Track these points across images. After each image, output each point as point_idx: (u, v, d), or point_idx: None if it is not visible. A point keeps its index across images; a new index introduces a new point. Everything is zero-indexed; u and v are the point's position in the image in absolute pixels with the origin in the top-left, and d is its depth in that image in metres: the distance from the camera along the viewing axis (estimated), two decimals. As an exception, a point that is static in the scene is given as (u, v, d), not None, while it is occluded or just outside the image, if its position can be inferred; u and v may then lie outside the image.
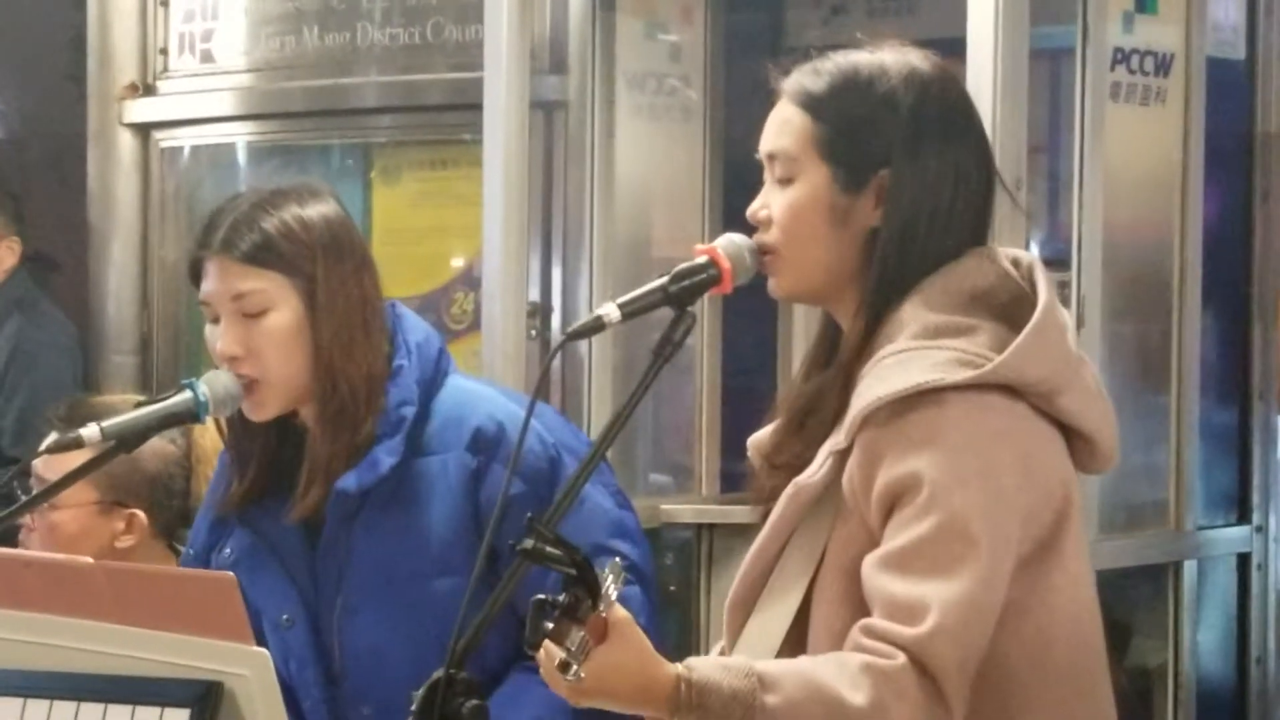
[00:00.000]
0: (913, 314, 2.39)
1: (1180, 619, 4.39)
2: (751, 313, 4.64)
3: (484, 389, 3.07)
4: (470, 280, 4.96)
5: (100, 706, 2.23)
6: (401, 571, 2.94)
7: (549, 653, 2.22)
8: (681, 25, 4.78)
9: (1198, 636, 4.46)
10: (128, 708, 2.21)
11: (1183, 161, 4.36)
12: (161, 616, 2.23)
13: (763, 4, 4.90)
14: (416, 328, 3.02)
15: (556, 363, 4.52)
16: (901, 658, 2.25)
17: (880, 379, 2.35)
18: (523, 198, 4.39)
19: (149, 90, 5.60)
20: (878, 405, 2.33)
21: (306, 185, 3.04)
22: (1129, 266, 4.28)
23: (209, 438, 3.36)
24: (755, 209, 2.50)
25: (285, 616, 3.00)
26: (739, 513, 4.19)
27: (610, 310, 2.38)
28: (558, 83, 4.71)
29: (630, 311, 2.39)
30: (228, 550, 3.05)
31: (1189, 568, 4.41)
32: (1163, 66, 4.32)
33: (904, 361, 2.35)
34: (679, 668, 2.27)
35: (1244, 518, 4.62)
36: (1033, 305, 2.40)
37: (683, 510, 4.66)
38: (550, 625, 2.20)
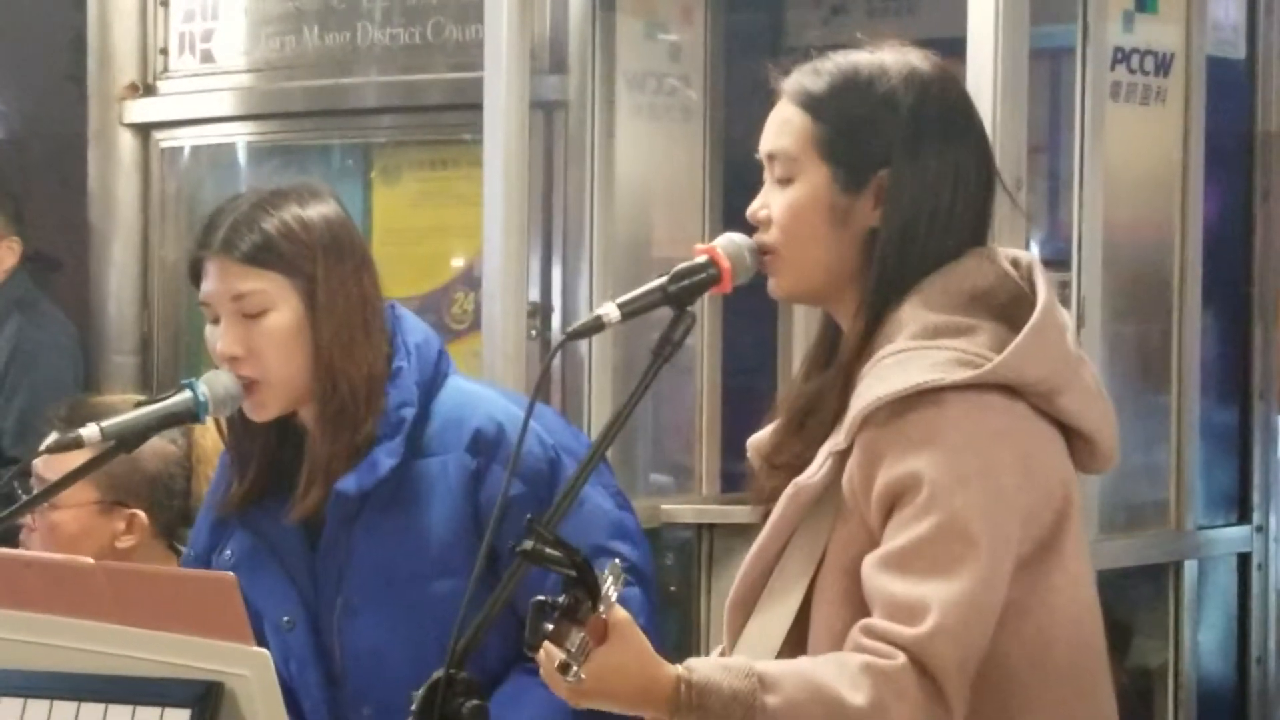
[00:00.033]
0: (912, 314, 2.39)
1: (1181, 619, 4.39)
2: (752, 313, 4.64)
3: (484, 390, 3.07)
4: (470, 280, 4.96)
5: (101, 707, 2.23)
6: (401, 573, 2.94)
7: (549, 654, 2.22)
8: (681, 25, 4.78)
9: (1198, 636, 4.45)
10: (128, 708, 2.21)
11: (1183, 161, 4.36)
12: (162, 617, 2.23)
13: (763, 4, 4.90)
14: (416, 329, 3.02)
15: (557, 363, 4.52)
16: (901, 658, 2.25)
17: (880, 379, 2.35)
18: (523, 198, 4.39)
19: (149, 90, 5.60)
20: (877, 405, 2.33)
21: (306, 185, 3.04)
22: (1129, 266, 4.28)
23: (210, 438, 3.36)
24: (755, 209, 2.50)
25: (286, 618, 3.00)
26: (739, 513, 4.18)
27: (610, 310, 2.38)
28: (558, 83, 4.71)
29: (630, 311, 2.39)
30: (228, 552, 3.05)
31: (1189, 568, 4.41)
32: (1163, 66, 4.32)
33: (903, 362, 2.35)
34: (679, 668, 2.27)
35: (1244, 517, 4.62)
36: (1032, 305, 2.40)
37: (683, 510, 4.66)
38: (550, 626, 2.20)
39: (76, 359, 5.59)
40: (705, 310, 4.64)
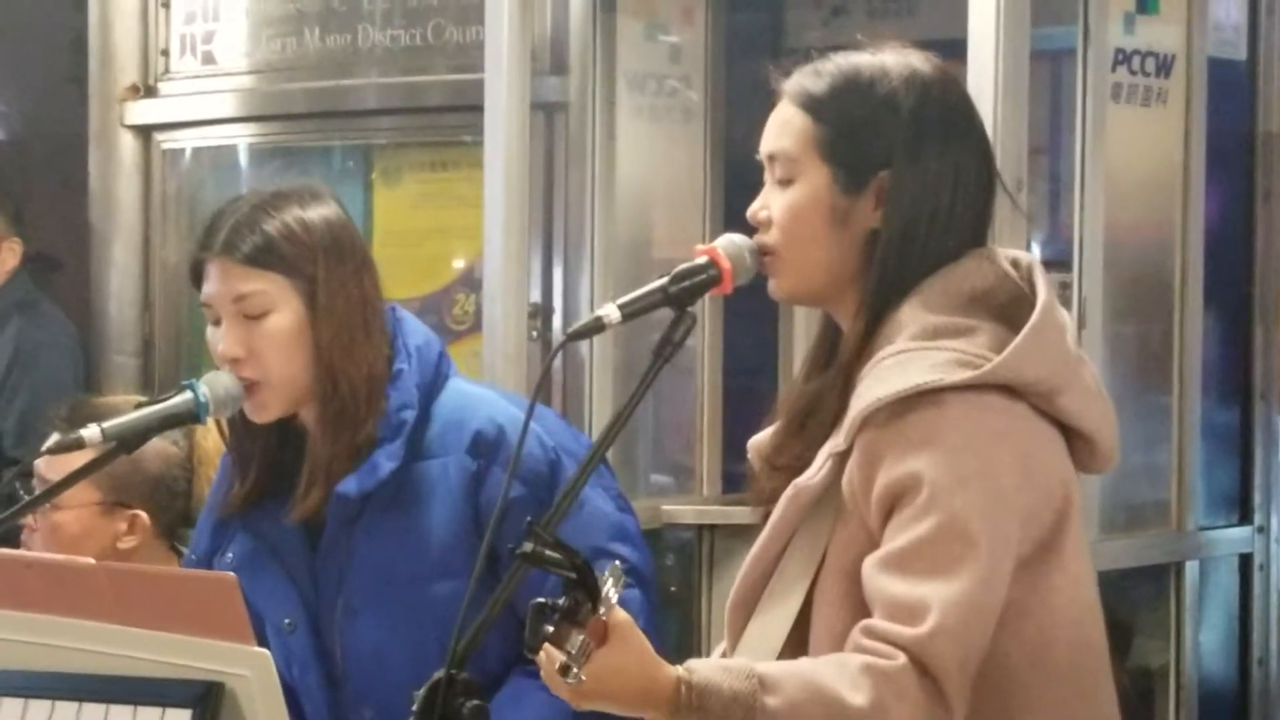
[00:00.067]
0: (911, 315, 2.39)
1: (1182, 620, 4.38)
2: (752, 314, 4.64)
3: (484, 392, 3.07)
4: (471, 282, 4.96)
5: (102, 707, 2.23)
6: (402, 574, 2.94)
7: (549, 656, 2.22)
8: (682, 26, 4.78)
9: (1199, 637, 4.45)
10: (129, 708, 2.21)
11: (1184, 162, 4.36)
12: (163, 617, 2.23)
13: (763, 5, 4.90)
14: (416, 331, 3.02)
15: (557, 364, 4.52)
16: (902, 658, 2.25)
17: (879, 380, 2.35)
18: (523, 199, 4.39)
19: (150, 92, 5.61)
20: (877, 406, 2.33)
21: (307, 187, 3.04)
22: (1130, 267, 4.28)
23: (211, 439, 3.36)
24: (755, 209, 2.50)
25: (287, 620, 3.00)
26: (740, 514, 4.18)
27: (610, 311, 2.38)
28: (558, 84, 4.71)
29: (630, 312, 2.39)
30: (230, 554, 3.05)
31: (1190, 568, 4.41)
32: (1164, 67, 4.32)
33: (903, 362, 2.35)
34: (679, 670, 2.27)
35: (1245, 518, 4.61)
36: (1032, 306, 2.40)
37: (684, 511, 4.66)
38: (550, 628, 2.20)
39: (77, 360, 5.59)
40: (706, 311, 4.64)
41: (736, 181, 4.49)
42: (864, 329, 2.42)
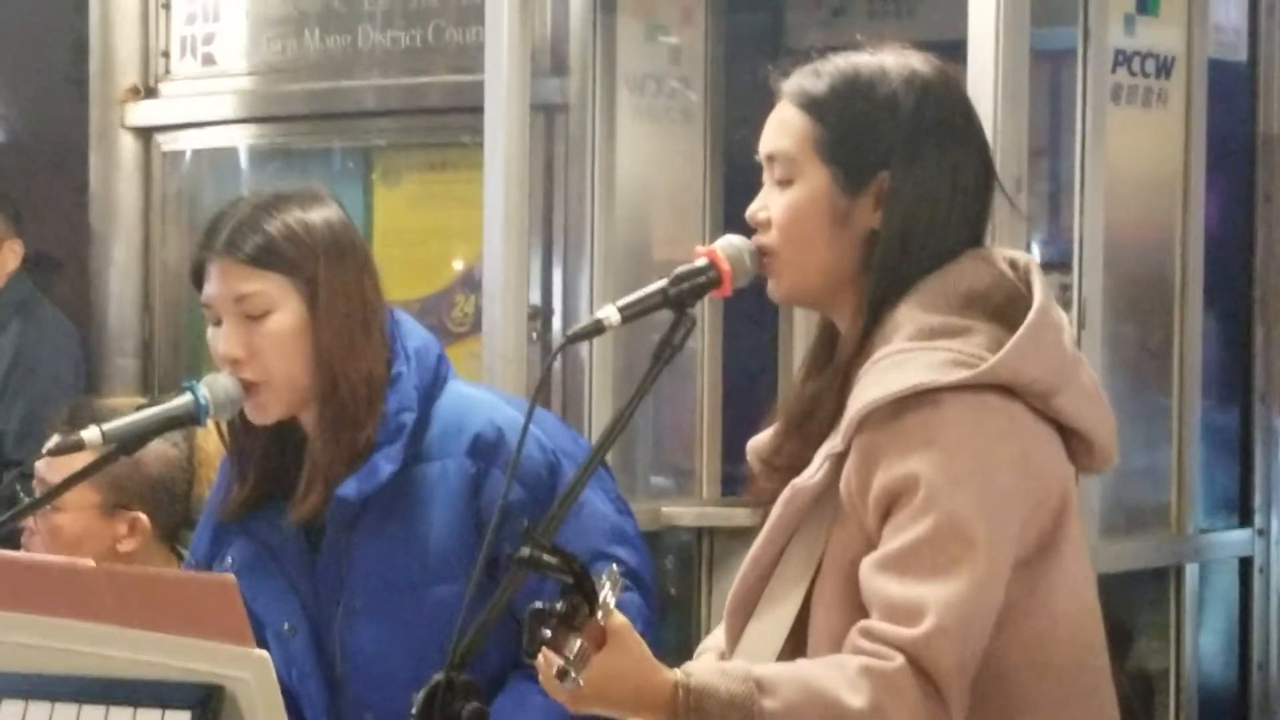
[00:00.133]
0: (908, 315, 2.39)
1: (1182, 622, 4.38)
2: (752, 316, 4.64)
3: (484, 394, 3.06)
4: (471, 283, 4.96)
5: (102, 709, 2.23)
6: (402, 578, 2.94)
7: (547, 660, 2.22)
8: (682, 27, 4.79)
9: (1199, 640, 4.45)
10: (129, 710, 2.21)
11: (1184, 163, 4.36)
12: (162, 619, 2.23)
13: (763, 6, 4.91)
14: (415, 334, 3.02)
15: (557, 365, 4.52)
16: (899, 659, 2.25)
17: (876, 381, 2.35)
18: (523, 200, 4.39)
19: (150, 93, 5.61)
20: (874, 407, 2.33)
21: (308, 189, 3.04)
22: (1130, 268, 4.28)
23: (211, 441, 3.35)
24: (754, 210, 2.49)
25: (287, 624, 3.00)
26: (740, 515, 4.18)
27: (610, 313, 2.38)
28: (558, 85, 4.71)
29: (630, 314, 2.39)
30: (229, 559, 3.05)
31: (1190, 571, 4.41)
32: (1164, 68, 4.32)
33: (900, 363, 2.35)
34: (677, 673, 2.27)
35: (1246, 521, 4.62)
36: (1029, 306, 2.40)
37: (683, 513, 4.66)
38: (548, 633, 2.20)
39: (78, 361, 5.59)
40: (706, 313, 4.65)
41: (736, 182, 4.50)
42: (862, 329, 2.42)
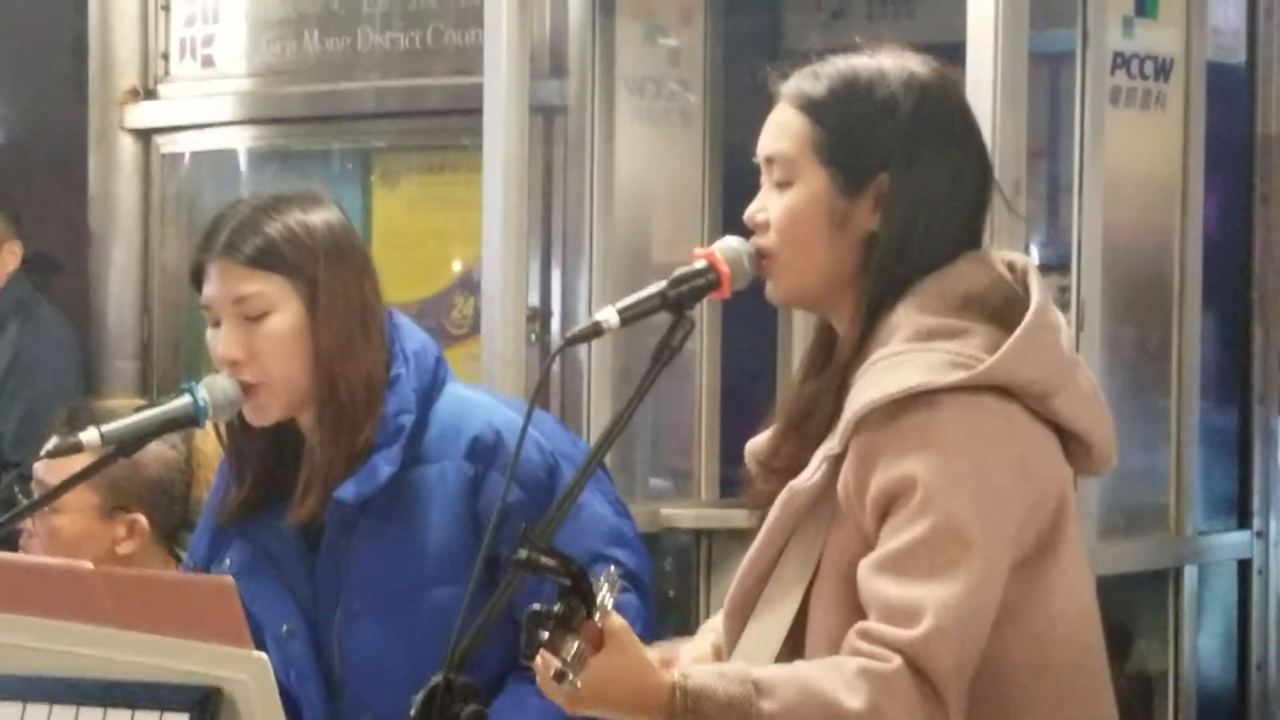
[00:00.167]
0: (906, 317, 2.39)
1: (1181, 624, 4.38)
2: (751, 318, 4.64)
3: (482, 397, 3.06)
4: (470, 285, 4.96)
5: (99, 711, 2.23)
6: (400, 580, 2.94)
7: (545, 662, 2.22)
8: (681, 29, 4.79)
9: (1198, 642, 4.45)
10: (126, 712, 2.21)
11: (1183, 165, 4.36)
12: (161, 621, 2.23)
13: (762, 7, 4.91)
14: (413, 336, 3.02)
15: (556, 368, 4.52)
16: (897, 660, 2.25)
17: (873, 382, 2.35)
18: (522, 202, 4.39)
19: (150, 95, 5.61)
20: (871, 409, 2.33)
21: (308, 191, 3.05)
22: (1129, 270, 4.28)
23: (210, 443, 3.35)
24: (752, 212, 2.49)
25: (285, 627, 3.00)
26: (738, 517, 4.16)
27: (609, 315, 2.38)
28: (557, 87, 4.72)
29: (629, 317, 2.39)
30: (228, 562, 3.05)
31: (1189, 573, 4.41)
32: (1163, 71, 4.32)
33: (897, 365, 2.35)
34: (674, 675, 2.27)
35: (1244, 523, 4.61)
36: (1027, 308, 2.40)
37: (682, 515, 4.66)
38: (546, 635, 2.20)
39: (77, 363, 5.59)
40: (705, 315, 4.65)
41: (735, 184, 4.49)
42: (860, 331, 2.42)
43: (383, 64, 5.17)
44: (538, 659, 2.23)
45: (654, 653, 2.34)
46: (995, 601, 2.32)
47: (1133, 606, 4.38)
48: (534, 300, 4.64)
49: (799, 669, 2.30)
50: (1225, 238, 4.58)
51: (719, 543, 4.61)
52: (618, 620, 2.24)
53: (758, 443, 2.54)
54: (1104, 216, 4.10)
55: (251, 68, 5.42)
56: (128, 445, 2.83)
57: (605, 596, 2.21)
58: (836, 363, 2.45)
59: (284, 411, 2.96)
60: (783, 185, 2.47)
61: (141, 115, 5.60)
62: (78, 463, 2.85)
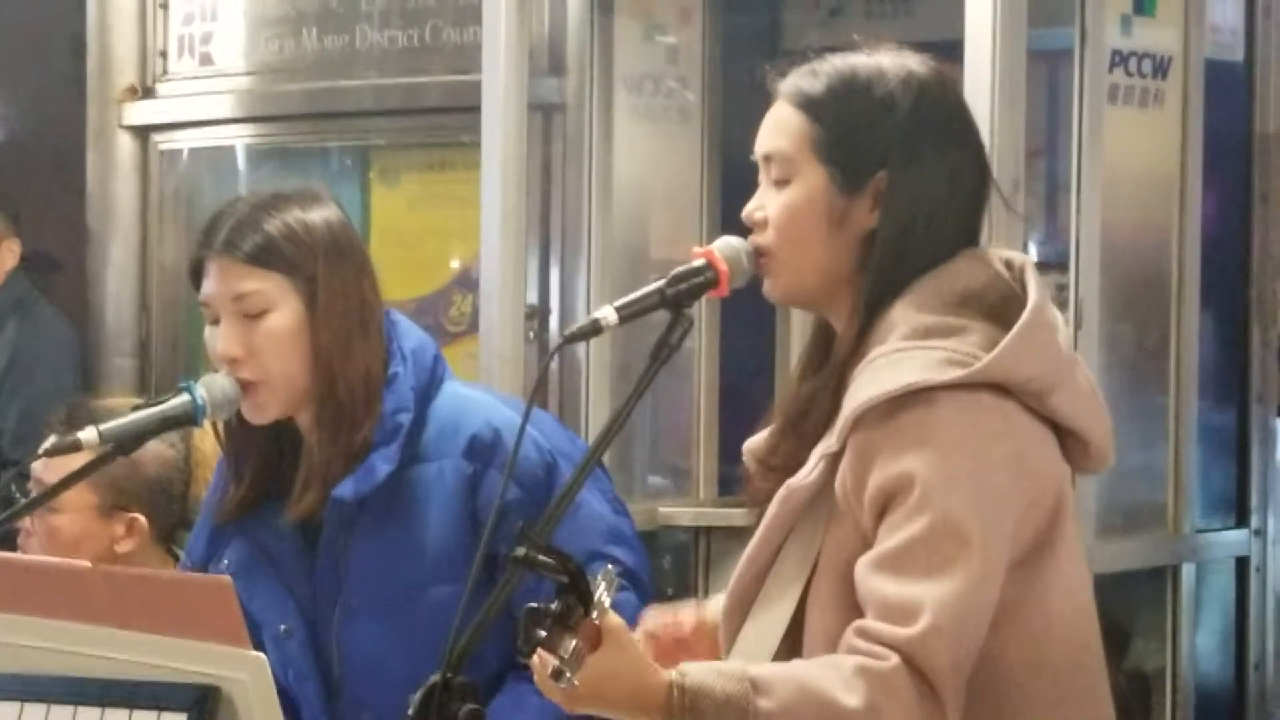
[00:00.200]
0: (903, 315, 2.39)
1: (1179, 622, 4.39)
2: (750, 316, 4.64)
3: (480, 395, 3.06)
4: (468, 282, 4.96)
5: (97, 710, 2.22)
6: (399, 579, 2.94)
7: (543, 660, 2.22)
8: (679, 27, 4.79)
9: (1196, 640, 4.45)
10: (124, 711, 2.21)
11: (1181, 164, 4.36)
12: (159, 620, 2.23)
13: (761, 6, 4.91)
14: (411, 334, 3.02)
15: (554, 365, 4.52)
16: (894, 659, 2.25)
17: (871, 380, 2.35)
18: (521, 200, 4.39)
19: (148, 93, 5.61)
20: (868, 407, 2.33)
21: (308, 189, 3.04)
22: (1127, 268, 4.28)
23: (209, 442, 3.35)
24: (751, 210, 2.49)
25: (283, 627, 3.00)
26: (737, 516, 4.19)
27: (607, 314, 2.38)
28: (556, 85, 4.72)
29: (627, 315, 2.39)
30: (226, 561, 3.04)
31: (1187, 571, 4.41)
32: (1161, 69, 4.32)
33: (894, 362, 2.35)
34: (672, 673, 2.27)
35: (1242, 521, 4.62)
36: (1024, 306, 2.40)
37: (681, 513, 4.66)
38: (543, 633, 2.20)
39: (75, 361, 5.59)
40: (703, 313, 4.65)
41: (734, 183, 4.49)
42: (858, 329, 2.42)
43: (381, 62, 5.17)
44: (535, 657, 2.23)
45: (658, 615, 2.33)
46: (993, 599, 2.32)
47: (1131, 604, 4.38)
48: (532, 298, 4.64)
49: (797, 667, 2.30)
50: (1223, 236, 4.59)
51: (717, 541, 4.61)
52: (615, 618, 2.24)
53: (756, 441, 2.54)
54: (1102, 215, 4.11)
55: (250, 65, 5.42)
56: (126, 444, 2.83)
57: (603, 594, 2.22)
58: (834, 361, 2.45)
59: (282, 410, 2.96)
60: (781, 183, 2.47)
61: (140, 113, 5.60)
62: (76, 461, 2.85)
